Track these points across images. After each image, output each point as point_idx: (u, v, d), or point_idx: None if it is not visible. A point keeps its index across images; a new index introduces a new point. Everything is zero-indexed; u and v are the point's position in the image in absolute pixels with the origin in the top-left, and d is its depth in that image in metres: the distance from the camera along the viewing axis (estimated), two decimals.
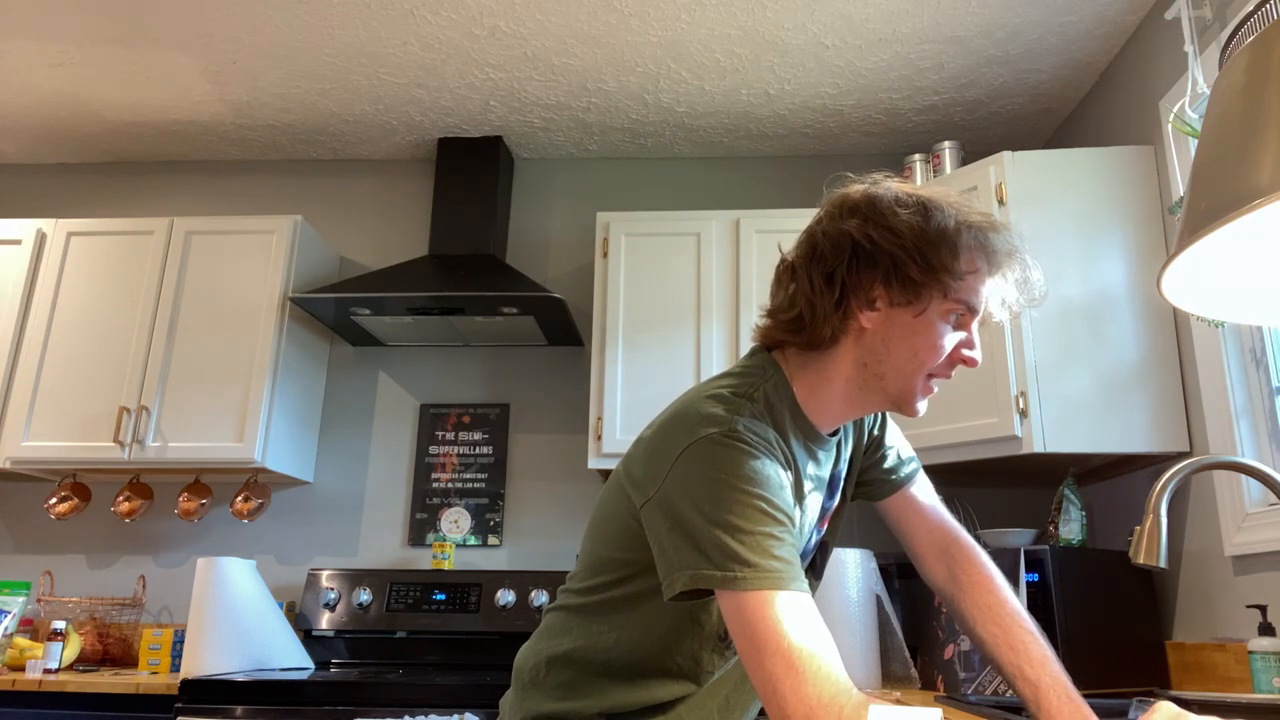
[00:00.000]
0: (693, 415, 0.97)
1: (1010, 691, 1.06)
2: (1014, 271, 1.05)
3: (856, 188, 1.07)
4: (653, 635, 1.03)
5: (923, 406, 1.06)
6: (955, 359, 1.04)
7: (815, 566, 1.18)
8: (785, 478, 0.97)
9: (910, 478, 1.25)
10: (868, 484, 1.26)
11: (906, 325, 1.02)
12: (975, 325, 1.05)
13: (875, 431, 1.25)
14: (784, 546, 0.89)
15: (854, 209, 1.04)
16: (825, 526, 1.17)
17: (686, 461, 0.93)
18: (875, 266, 1.01)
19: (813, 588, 1.16)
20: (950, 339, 1.03)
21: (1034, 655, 1.04)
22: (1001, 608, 1.12)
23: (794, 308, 1.05)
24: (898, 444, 1.27)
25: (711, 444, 0.93)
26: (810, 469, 1.07)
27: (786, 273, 1.08)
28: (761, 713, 1.32)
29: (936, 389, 1.06)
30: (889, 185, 1.06)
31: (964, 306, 1.02)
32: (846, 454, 1.19)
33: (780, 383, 1.07)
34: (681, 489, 0.92)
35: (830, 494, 1.15)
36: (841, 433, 1.17)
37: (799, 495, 1.04)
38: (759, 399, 1.03)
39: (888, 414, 1.27)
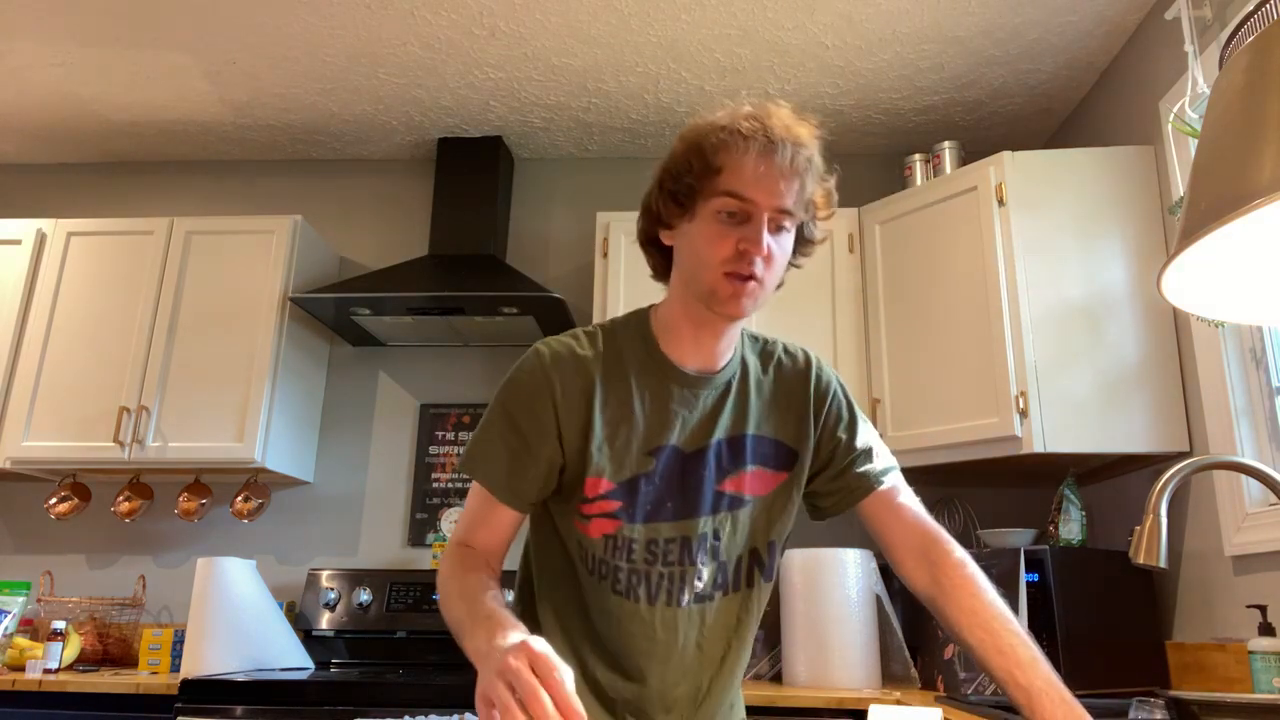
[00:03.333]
0: None
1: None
2: (774, 151, 1.05)
3: None
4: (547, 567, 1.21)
5: (740, 305, 1.07)
6: (739, 252, 1.06)
7: (718, 535, 1.16)
8: (542, 408, 1.10)
9: (880, 477, 1.22)
10: (839, 491, 1.23)
11: (689, 232, 1.10)
12: (764, 212, 1.05)
13: (841, 433, 1.22)
14: (493, 456, 1.12)
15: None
16: (743, 490, 1.16)
17: None
18: (659, 193, 1.13)
19: (759, 560, 1.18)
20: (730, 232, 1.06)
21: (1023, 659, 1.02)
22: (987, 610, 1.09)
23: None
24: (872, 444, 1.24)
25: (520, 360, 1.16)
26: (656, 398, 1.14)
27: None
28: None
29: (751, 289, 1.07)
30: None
31: (731, 198, 1.05)
32: (767, 416, 1.19)
33: (639, 320, 1.20)
34: None
35: (736, 453, 1.16)
36: (746, 389, 1.19)
37: (624, 414, 1.13)
38: (596, 330, 1.18)
39: (857, 415, 1.25)
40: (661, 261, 1.19)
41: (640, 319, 1.20)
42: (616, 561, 1.12)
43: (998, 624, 1.07)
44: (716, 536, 1.15)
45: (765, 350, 1.25)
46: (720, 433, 1.16)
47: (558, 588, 1.18)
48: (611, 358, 1.15)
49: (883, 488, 1.22)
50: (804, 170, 1.07)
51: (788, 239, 1.10)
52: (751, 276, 1.06)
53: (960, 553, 1.18)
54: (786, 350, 1.26)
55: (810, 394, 1.22)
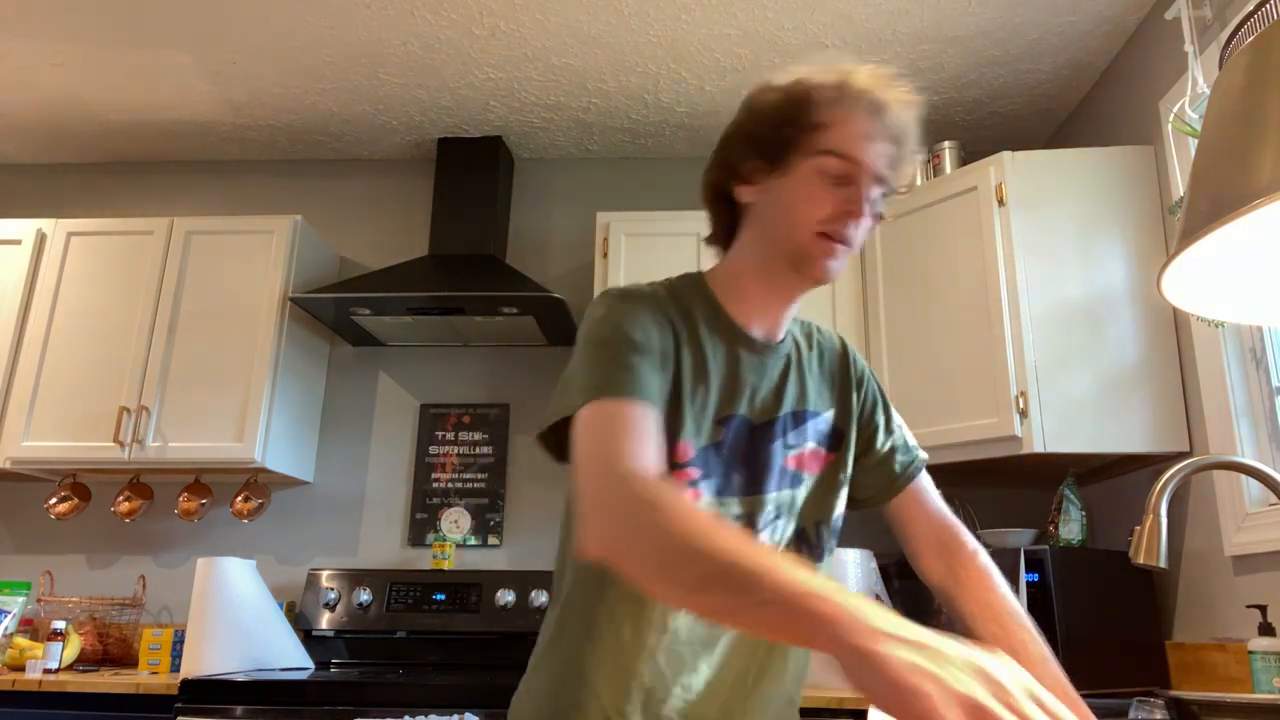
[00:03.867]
0: None
1: None
2: (882, 114, 1.03)
3: None
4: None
5: (831, 267, 1.04)
6: (840, 211, 1.02)
7: (797, 517, 1.10)
8: (661, 326, 1.01)
9: (920, 468, 1.23)
10: (880, 481, 1.21)
11: (779, 188, 1.04)
12: (866, 176, 1.02)
13: (879, 418, 1.21)
14: (629, 365, 0.93)
15: (735, 115, 1.11)
16: (803, 469, 1.11)
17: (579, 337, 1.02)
18: (739, 145, 1.07)
19: (808, 542, 1.10)
20: (828, 192, 1.02)
21: (1033, 655, 1.03)
22: (1000, 605, 1.11)
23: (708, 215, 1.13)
24: (906, 433, 1.25)
25: (593, 306, 1.04)
26: (727, 363, 1.06)
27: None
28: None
29: (842, 252, 1.03)
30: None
31: (833, 157, 1.01)
32: (820, 393, 1.15)
33: (694, 280, 1.12)
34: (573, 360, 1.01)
35: (800, 428, 1.11)
36: (802, 363, 1.14)
37: (700, 374, 1.03)
38: (660, 285, 1.09)
39: (888, 401, 1.24)
40: (727, 221, 1.11)
41: (696, 280, 1.11)
42: None
43: (1010, 620, 1.08)
44: (778, 514, 1.08)
45: (805, 328, 1.21)
46: (788, 405, 1.10)
47: (615, 582, 0.99)
48: (681, 311, 1.06)
49: (916, 481, 1.22)
50: (907, 138, 1.05)
51: (879, 206, 1.05)
52: (845, 240, 1.03)
53: (974, 544, 1.19)
54: (820, 329, 1.23)
55: (851, 375, 1.20)
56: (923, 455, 1.25)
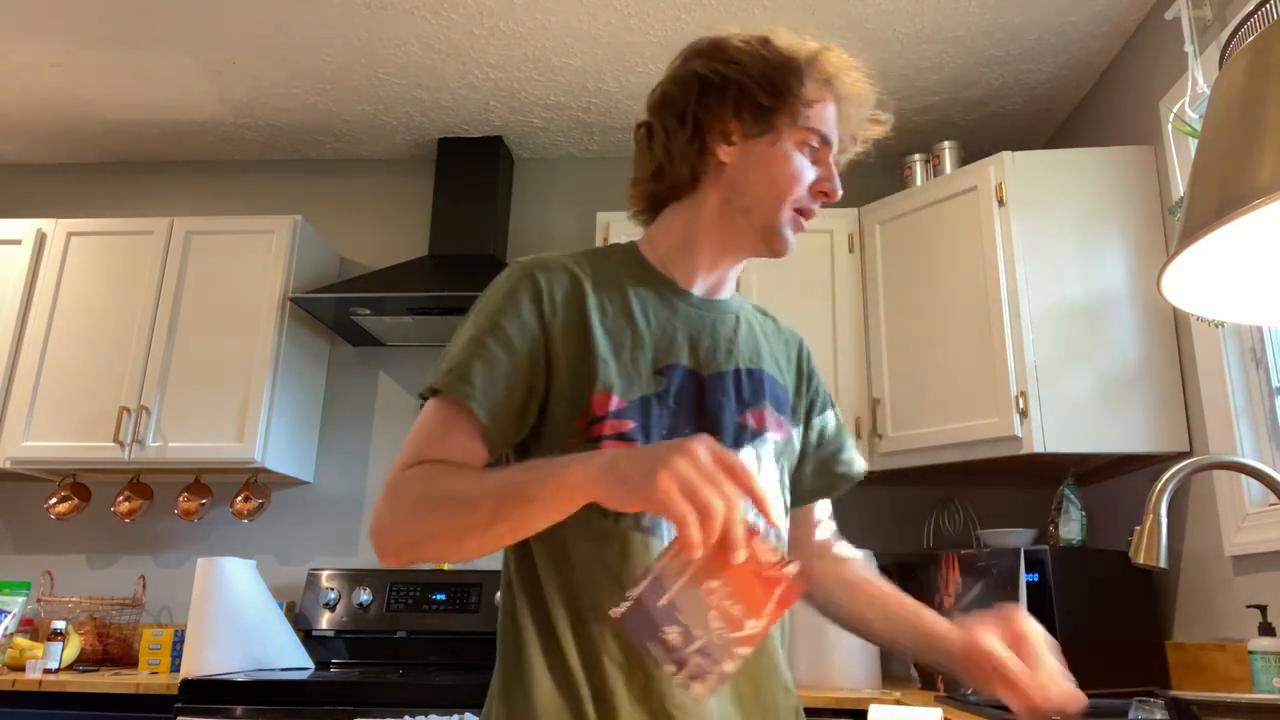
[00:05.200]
0: None
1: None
2: (859, 98, 1.07)
3: (701, 37, 1.10)
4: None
5: (792, 241, 1.06)
6: (816, 191, 1.05)
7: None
8: (547, 304, 0.99)
9: (856, 479, 1.19)
10: (822, 475, 1.17)
11: (763, 156, 1.03)
12: (832, 159, 1.06)
13: (829, 411, 1.18)
14: (481, 361, 0.96)
15: (699, 52, 1.08)
16: (764, 428, 1.06)
17: None
18: (725, 98, 1.03)
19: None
20: (809, 169, 1.04)
21: (926, 617, 1.05)
22: (894, 592, 1.10)
23: (654, 160, 1.07)
24: (850, 440, 1.21)
25: (501, 274, 1.05)
26: (659, 315, 1.04)
27: (643, 135, 1.10)
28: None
29: (804, 225, 1.06)
30: (730, 30, 1.09)
31: (816, 136, 1.03)
32: (778, 364, 1.12)
33: (623, 246, 1.10)
34: None
35: (755, 386, 1.07)
36: (755, 326, 1.12)
37: (627, 327, 1.01)
38: (582, 252, 1.08)
39: (833, 404, 1.20)
40: (694, 169, 1.05)
41: (623, 247, 1.11)
42: None
43: (910, 601, 1.09)
44: None
45: (756, 306, 1.21)
46: (740, 361, 1.07)
47: (568, 555, 0.95)
48: (600, 268, 1.05)
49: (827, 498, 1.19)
50: (867, 130, 1.09)
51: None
52: (812, 217, 1.06)
53: (850, 552, 1.20)
54: (778, 318, 1.23)
55: (803, 354, 1.19)
56: (861, 466, 1.21)
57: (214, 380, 2.84)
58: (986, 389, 2.39)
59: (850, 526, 2.98)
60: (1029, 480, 2.77)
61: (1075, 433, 2.28)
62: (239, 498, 2.96)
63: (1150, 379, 2.29)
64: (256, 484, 3.01)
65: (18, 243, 3.01)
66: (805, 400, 1.16)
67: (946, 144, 2.84)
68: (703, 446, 0.73)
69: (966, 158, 2.84)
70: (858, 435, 2.65)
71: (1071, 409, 2.29)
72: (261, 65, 2.86)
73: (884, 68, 2.80)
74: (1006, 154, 2.50)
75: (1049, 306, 2.37)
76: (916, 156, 2.91)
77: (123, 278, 2.96)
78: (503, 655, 1.00)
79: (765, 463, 1.05)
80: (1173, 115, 2.16)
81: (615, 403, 0.97)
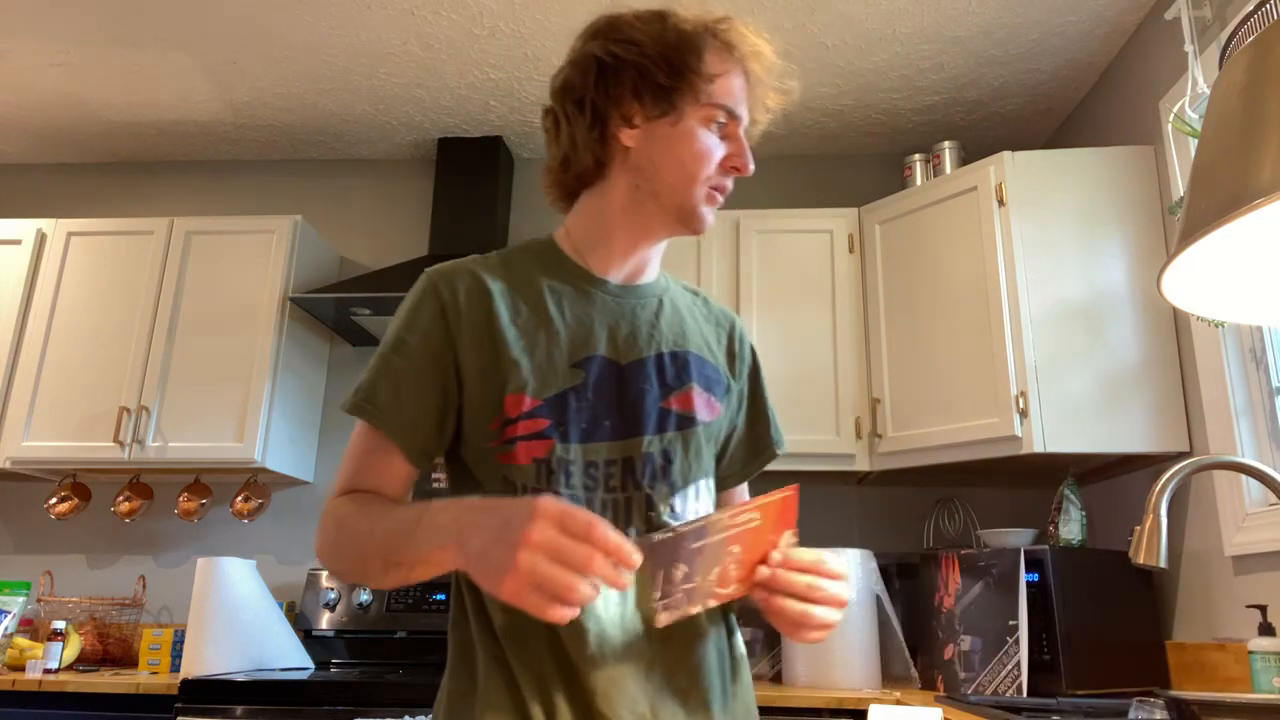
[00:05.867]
0: None
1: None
2: (763, 69, 1.05)
3: (600, 15, 1.08)
4: None
5: (710, 220, 1.04)
6: (728, 167, 1.03)
7: (666, 460, 1.01)
8: (451, 312, 0.99)
9: (775, 455, 1.18)
10: (746, 454, 1.16)
11: (668, 136, 1.01)
12: (742, 132, 1.05)
13: (762, 387, 1.17)
14: (388, 380, 0.99)
15: (595, 32, 1.06)
16: (692, 410, 1.04)
17: None
18: (622, 80, 1.01)
19: (646, 469, 1.00)
20: (717, 146, 1.02)
21: None
22: None
23: (560, 149, 1.06)
24: (775, 418, 1.20)
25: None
26: (575, 308, 1.03)
27: (550, 123, 1.08)
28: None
29: (720, 201, 1.05)
30: (630, 7, 1.07)
31: (722, 111, 1.01)
32: (708, 344, 1.11)
33: (539, 241, 1.10)
34: None
35: (680, 369, 1.05)
36: (680, 307, 1.11)
37: (540, 325, 1.01)
38: (495, 253, 1.08)
39: (763, 381, 1.18)
40: (598, 157, 1.04)
41: (540, 241, 1.11)
42: (555, 488, 0.96)
43: None
44: (667, 458, 1.01)
45: (687, 286, 1.20)
46: (661, 346, 1.05)
47: None
48: (513, 267, 1.05)
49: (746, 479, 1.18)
50: (776, 95, 1.07)
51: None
52: (727, 193, 1.05)
53: None
54: (711, 298, 1.22)
55: (735, 333, 1.17)
56: (784, 444, 1.20)
57: (214, 380, 2.84)
58: (986, 389, 2.39)
59: (851, 526, 2.99)
60: (1029, 480, 2.77)
61: (1075, 433, 2.28)
62: (239, 498, 2.96)
63: (1150, 379, 2.29)
64: (256, 484, 3.01)
65: (18, 243, 3.01)
66: (738, 379, 1.15)
67: (946, 144, 2.84)
68: (543, 524, 0.73)
69: (966, 158, 2.84)
70: (858, 435, 2.65)
71: (1071, 409, 2.29)
72: (261, 65, 2.86)
73: (884, 68, 2.80)
74: (1006, 154, 2.50)
75: (1049, 306, 2.37)
76: (916, 156, 2.91)
77: (123, 278, 2.96)
78: (450, 658, 1.01)
79: (694, 448, 1.03)
80: (1173, 115, 2.16)
81: (528, 403, 0.96)
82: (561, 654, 0.93)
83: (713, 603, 0.79)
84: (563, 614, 0.73)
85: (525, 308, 1.02)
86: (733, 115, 1.03)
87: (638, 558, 0.74)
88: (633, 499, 0.99)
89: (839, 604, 0.89)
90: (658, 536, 0.74)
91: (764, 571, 0.85)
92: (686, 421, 1.03)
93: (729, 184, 1.04)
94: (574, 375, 0.99)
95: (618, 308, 1.06)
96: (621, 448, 0.99)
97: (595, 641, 0.92)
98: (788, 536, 0.82)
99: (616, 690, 0.92)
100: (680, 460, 1.02)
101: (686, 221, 1.04)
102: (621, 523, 0.98)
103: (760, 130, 1.09)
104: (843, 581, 0.90)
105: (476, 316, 0.99)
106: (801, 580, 0.85)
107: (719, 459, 1.12)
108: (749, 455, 1.17)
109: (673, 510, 1.00)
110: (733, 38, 1.04)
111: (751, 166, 1.04)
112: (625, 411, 1.00)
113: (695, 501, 1.03)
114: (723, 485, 1.16)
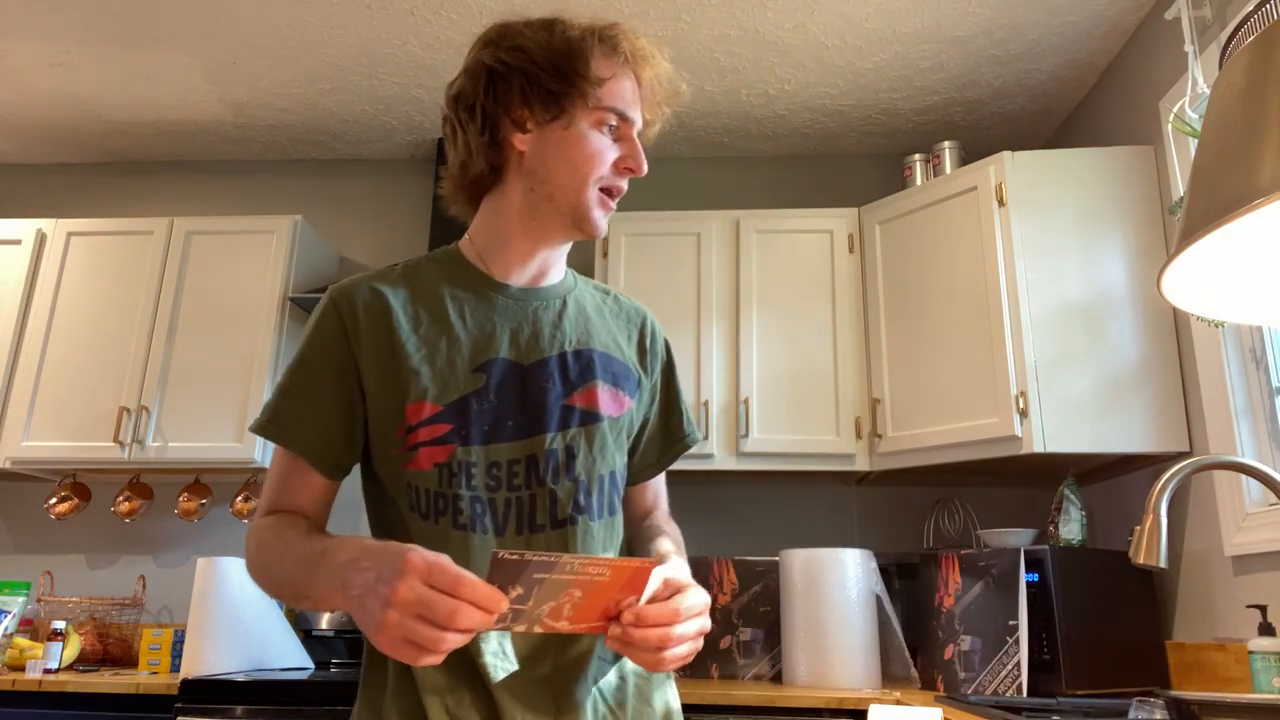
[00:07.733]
0: None
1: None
2: (655, 71, 1.07)
3: (493, 24, 1.11)
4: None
5: (602, 223, 1.06)
6: (621, 168, 1.06)
7: (571, 452, 1.04)
8: (350, 327, 1.02)
9: (688, 446, 1.20)
10: (658, 447, 1.19)
11: (559, 140, 1.03)
12: (635, 135, 1.07)
13: (676, 381, 1.20)
14: (294, 401, 1.03)
15: (487, 40, 1.09)
16: (596, 406, 1.06)
17: None
18: (511, 87, 1.03)
19: (587, 491, 1.04)
20: (609, 148, 1.04)
21: (665, 548, 1.06)
22: (664, 544, 1.09)
23: (457, 156, 1.08)
24: (689, 412, 1.22)
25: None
26: (476, 312, 1.06)
27: (448, 130, 1.10)
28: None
29: (614, 205, 1.07)
30: (525, 16, 1.10)
31: (613, 114, 1.04)
32: (616, 340, 1.13)
33: (443, 250, 1.12)
34: None
35: (584, 366, 1.07)
36: (586, 306, 1.14)
37: (440, 332, 1.03)
38: (399, 265, 1.11)
39: (676, 375, 1.21)
40: (493, 164, 1.07)
41: (447, 249, 1.13)
42: (456, 490, 0.99)
43: (664, 544, 1.09)
44: (570, 454, 1.03)
45: (598, 286, 1.23)
46: (564, 345, 1.08)
47: None
48: (417, 278, 1.08)
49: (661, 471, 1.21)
50: (667, 98, 1.09)
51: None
52: (620, 195, 1.07)
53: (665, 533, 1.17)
54: (623, 296, 1.24)
55: (647, 329, 1.20)
56: (698, 435, 1.23)
57: (214, 380, 2.84)
58: (986, 389, 2.39)
59: (851, 526, 2.99)
60: (1029, 480, 2.77)
61: (1075, 433, 2.28)
62: (239, 498, 2.96)
63: (1150, 379, 2.29)
64: (257, 484, 3.01)
65: (18, 243, 3.01)
66: (650, 375, 1.17)
67: (946, 144, 2.84)
68: (410, 581, 0.76)
69: (966, 158, 2.84)
70: (858, 435, 2.65)
71: (1071, 409, 2.29)
72: (261, 65, 2.86)
73: (884, 68, 2.80)
74: (1006, 154, 2.50)
75: (1049, 306, 2.37)
76: (916, 156, 2.91)
77: (122, 278, 2.96)
78: (365, 663, 1.04)
79: (598, 442, 1.05)
80: (1173, 115, 2.16)
81: (429, 409, 0.99)
82: (462, 655, 0.96)
83: (538, 629, 0.83)
84: (433, 661, 0.77)
85: (426, 317, 1.04)
86: (624, 118, 1.05)
87: (504, 606, 0.77)
88: (537, 495, 1.02)
89: (696, 638, 0.91)
90: (507, 554, 0.75)
91: (616, 630, 0.86)
92: (590, 417, 1.06)
93: (623, 185, 1.07)
94: (475, 380, 1.02)
95: (520, 310, 1.08)
96: (525, 446, 1.02)
97: (491, 647, 0.98)
98: (631, 601, 0.85)
99: (516, 684, 0.96)
100: (584, 455, 1.05)
101: (579, 223, 1.06)
102: (527, 517, 1.01)
103: (654, 132, 1.12)
104: (702, 617, 0.91)
105: (376, 330, 1.02)
106: (655, 634, 0.86)
107: (632, 453, 1.15)
108: (663, 448, 1.20)
109: (577, 505, 1.03)
110: (620, 43, 1.06)
111: (645, 167, 1.07)
112: (529, 411, 1.03)
113: (600, 495, 1.06)
114: (640, 478, 1.19)
